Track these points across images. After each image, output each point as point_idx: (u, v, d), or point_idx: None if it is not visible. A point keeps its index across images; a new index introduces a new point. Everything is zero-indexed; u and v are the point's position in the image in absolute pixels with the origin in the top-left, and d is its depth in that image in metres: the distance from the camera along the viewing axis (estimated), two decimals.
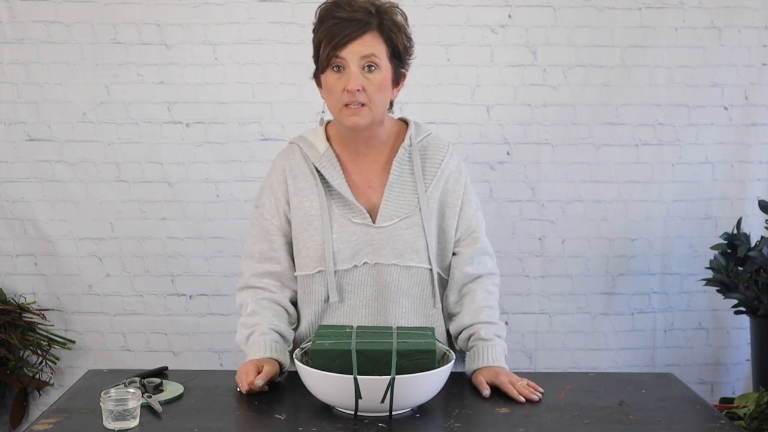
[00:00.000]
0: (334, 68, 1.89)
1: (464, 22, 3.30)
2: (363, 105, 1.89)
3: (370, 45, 1.88)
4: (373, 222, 1.97)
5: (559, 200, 3.40)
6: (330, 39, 1.87)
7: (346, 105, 1.89)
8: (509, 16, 3.30)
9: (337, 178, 1.97)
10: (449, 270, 2.04)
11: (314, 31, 1.93)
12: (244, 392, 1.82)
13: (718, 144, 3.39)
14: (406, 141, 2.01)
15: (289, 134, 2.86)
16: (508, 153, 3.37)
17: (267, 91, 3.29)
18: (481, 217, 2.07)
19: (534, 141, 3.37)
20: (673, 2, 3.30)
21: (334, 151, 2.00)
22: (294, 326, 2.02)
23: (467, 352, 1.99)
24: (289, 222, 2.01)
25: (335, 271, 1.95)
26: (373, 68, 1.89)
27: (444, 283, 2.05)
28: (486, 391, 1.84)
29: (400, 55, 1.94)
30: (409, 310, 1.98)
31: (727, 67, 3.35)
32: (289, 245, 2.02)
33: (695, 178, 3.41)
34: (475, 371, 1.92)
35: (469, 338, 1.98)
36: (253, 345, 1.91)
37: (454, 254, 2.04)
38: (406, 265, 1.96)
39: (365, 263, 1.96)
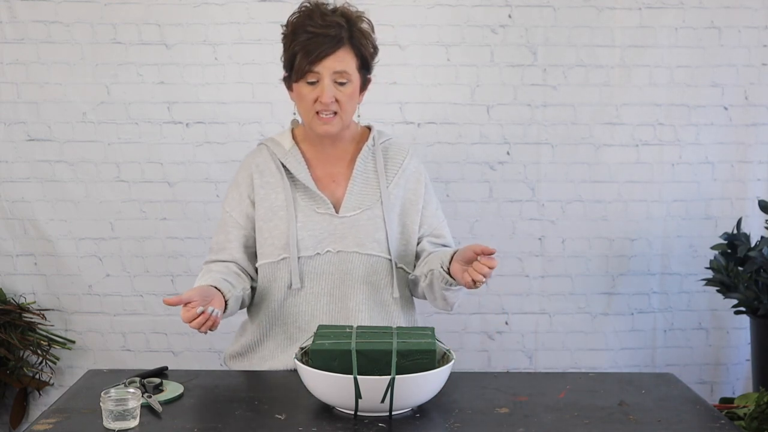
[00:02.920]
0: (308, 81, 2.02)
1: (464, 22, 3.30)
2: (335, 114, 2.03)
3: (343, 61, 2.02)
4: (337, 213, 2.08)
5: (559, 200, 3.40)
6: (305, 54, 2.00)
7: (317, 113, 2.03)
8: (509, 16, 3.30)
9: (301, 172, 2.09)
10: (412, 264, 2.16)
11: (287, 41, 2.05)
12: (185, 320, 1.87)
13: (718, 144, 3.39)
14: (370, 141, 2.15)
15: None
16: (508, 153, 3.37)
17: (267, 91, 3.28)
18: (442, 216, 2.21)
19: (534, 141, 3.37)
20: (673, 2, 3.30)
21: (300, 149, 2.14)
22: (243, 289, 2.09)
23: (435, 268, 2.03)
24: (248, 218, 2.12)
25: (299, 258, 2.05)
26: (345, 82, 2.02)
27: (405, 278, 2.15)
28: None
29: (367, 63, 2.09)
30: (369, 298, 2.08)
31: (727, 67, 3.35)
32: (245, 239, 2.12)
33: (695, 178, 3.41)
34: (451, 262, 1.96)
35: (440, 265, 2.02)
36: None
37: (418, 244, 2.16)
38: (367, 254, 2.07)
39: (328, 251, 2.07)
